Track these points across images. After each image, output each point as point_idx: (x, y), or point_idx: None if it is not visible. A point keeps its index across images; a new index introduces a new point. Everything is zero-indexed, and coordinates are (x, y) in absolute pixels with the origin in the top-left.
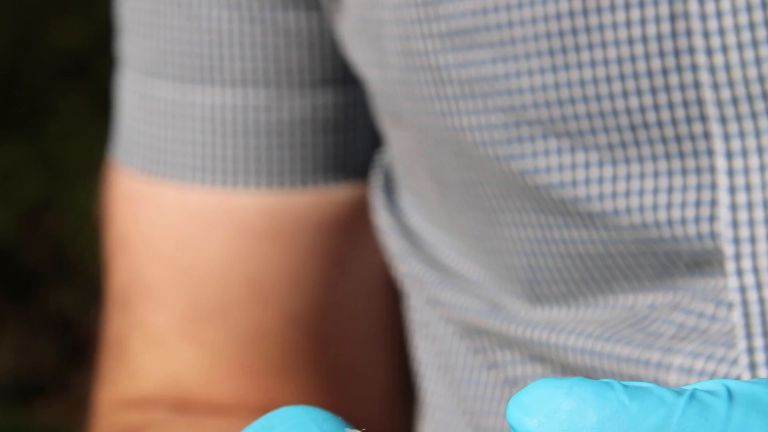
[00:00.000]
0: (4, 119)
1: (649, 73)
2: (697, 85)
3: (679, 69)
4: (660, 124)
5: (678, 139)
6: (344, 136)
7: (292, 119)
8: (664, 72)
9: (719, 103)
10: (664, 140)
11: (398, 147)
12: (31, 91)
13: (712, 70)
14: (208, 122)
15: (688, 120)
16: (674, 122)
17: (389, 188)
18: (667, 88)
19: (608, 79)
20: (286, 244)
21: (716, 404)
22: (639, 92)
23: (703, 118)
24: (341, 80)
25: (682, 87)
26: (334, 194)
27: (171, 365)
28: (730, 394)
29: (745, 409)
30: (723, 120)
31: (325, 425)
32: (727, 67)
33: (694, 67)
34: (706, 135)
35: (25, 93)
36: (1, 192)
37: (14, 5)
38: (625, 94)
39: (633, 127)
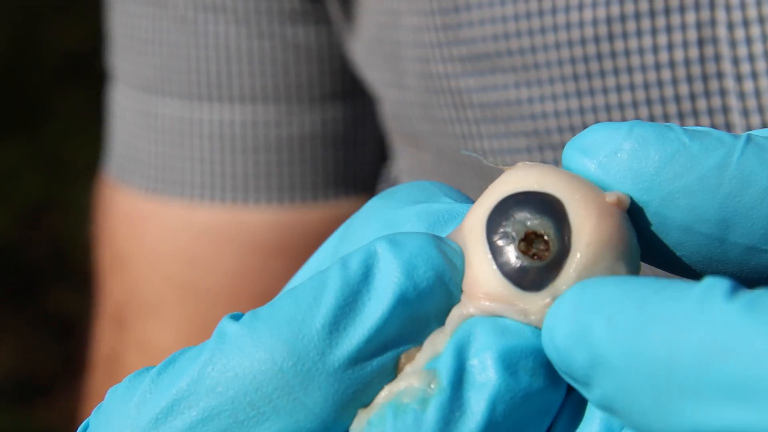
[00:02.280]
0: (4, 119)
1: (677, 98)
2: (725, 110)
3: (707, 94)
4: None
5: None
6: (353, 149)
7: (302, 134)
8: (692, 97)
9: (748, 130)
10: None
11: (413, 166)
12: (31, 91)
13: (741, 96)
14: (217, 139)
15: None
16: None
17: None
18: (695, 114)
19: (634, 105)
20: (296, 259)
21: None
22: (666, 117)
23: None
24: (350, 93)
25: (711, 112)
26: (343, 209)
27: None
28: None
29: None
30: None
31: (449, 191)
32: (757, 94)
33: (723, 93)
34: None
35: (25, 93)
36: (1, 192)
37: (14, 5)
38: (652, 120)
39: None
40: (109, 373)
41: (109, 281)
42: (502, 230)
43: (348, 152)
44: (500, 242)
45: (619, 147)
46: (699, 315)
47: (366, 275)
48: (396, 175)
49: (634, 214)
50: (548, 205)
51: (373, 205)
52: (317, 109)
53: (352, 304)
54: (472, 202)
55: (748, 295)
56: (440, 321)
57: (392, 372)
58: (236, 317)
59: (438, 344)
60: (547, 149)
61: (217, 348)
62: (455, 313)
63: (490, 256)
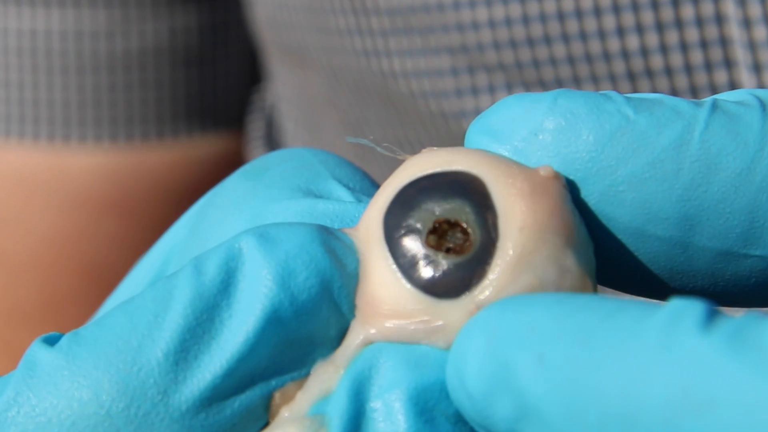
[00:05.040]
0: None
1: (654, 4)
2: (719, 19)
3: None
4: (669, 72)
5: (694, 92)
6: (212, 69)
7: (143, 49)
8: (675, 2)
9: (751, 45)
10: (673, 94)
11: (297, 92)
12: None
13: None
14: (27, 56)
15: (708, 67)
16: (688, 70)
17: (274, 141)
18: (679, 24)
19: (597, 12)
20: (134, 218)
21: (747, 116)
22: (640, 29)
23: (729, 65)
24: None
25: (699, 22)
26: (199, 149)
27: None
28: (763, 105)
29: None
30: (757, 68)
31: (338, 168)
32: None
33: None
34: (734, 88)
35: None
36: None
37: None
38: (621, 32)
39: (631, 77)
40: None
41: None
42: (405, 224)
43: (205, 73)
44: (403, 240)
45: (539, 126)
46: (663, 354)
47: (226, 284)
48: (273, 103)
49: None
50: (462, 186)
51: (236, 188)
52: (163, 15)
53: (206, 324)
54: (375, 188)
55: (728, 325)
56: (328, 348)
57: (262, 415)
58: (51, 340)
59: (327, 380)
60: (480, 71)
61: (24, 383)
62: (350, 338)
63: (391, 260)
